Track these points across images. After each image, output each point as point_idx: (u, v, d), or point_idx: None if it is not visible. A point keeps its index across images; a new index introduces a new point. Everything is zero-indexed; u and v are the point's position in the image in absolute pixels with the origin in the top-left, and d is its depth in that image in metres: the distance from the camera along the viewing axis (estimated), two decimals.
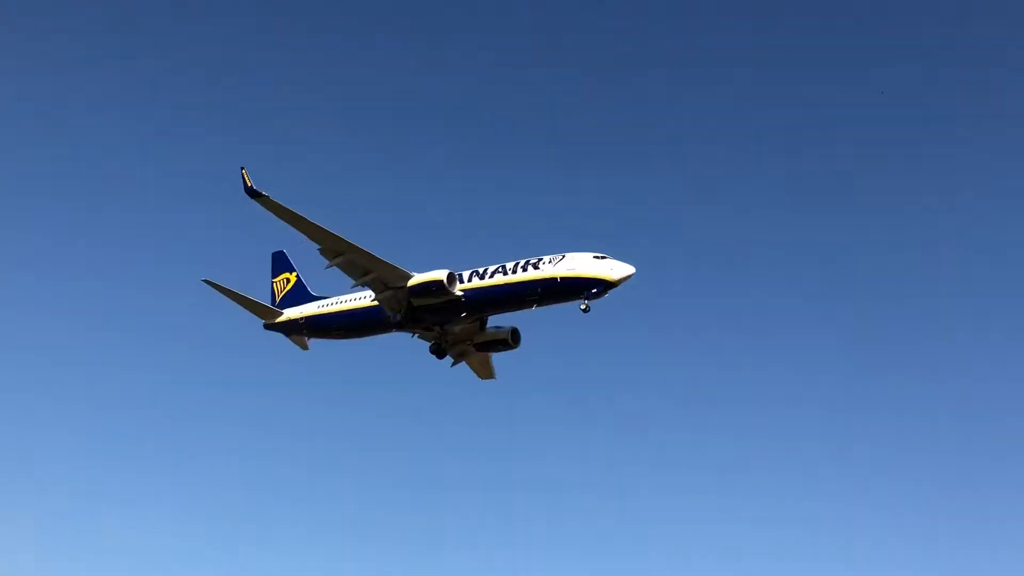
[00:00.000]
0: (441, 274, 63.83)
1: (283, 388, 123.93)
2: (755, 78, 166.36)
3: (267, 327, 76.70)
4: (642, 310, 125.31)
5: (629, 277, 61.07)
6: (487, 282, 64.24)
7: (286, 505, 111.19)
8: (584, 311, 61.45)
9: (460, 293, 64.27)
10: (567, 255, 62.90)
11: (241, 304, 76.19)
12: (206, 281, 73.26)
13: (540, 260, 63.48)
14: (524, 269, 63.50)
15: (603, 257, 62.05)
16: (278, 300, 79.65)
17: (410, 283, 64.52)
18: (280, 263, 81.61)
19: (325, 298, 75.39)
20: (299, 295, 78.02)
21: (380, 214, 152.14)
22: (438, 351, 70.58)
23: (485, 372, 74.32)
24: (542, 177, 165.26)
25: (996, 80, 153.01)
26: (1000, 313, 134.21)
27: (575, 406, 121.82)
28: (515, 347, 69.88)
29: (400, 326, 67.83)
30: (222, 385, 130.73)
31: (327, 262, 64.39)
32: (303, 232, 62.58)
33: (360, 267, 64.52)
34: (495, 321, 70.28)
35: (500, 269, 64.65)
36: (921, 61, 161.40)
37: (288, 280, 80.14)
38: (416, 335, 70.38)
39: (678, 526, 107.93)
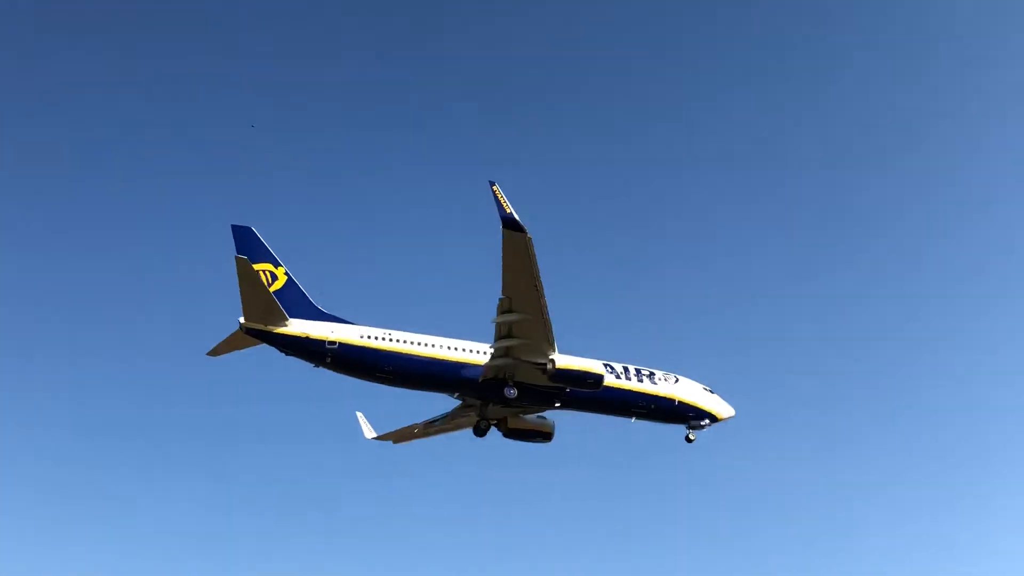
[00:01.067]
0: (601, 368, 59.83)
1: None
2: None
3: (250, 330, 58.74)
4: None
5: (729, 419, 66.08)
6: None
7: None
8: (689, 441, 64.98)
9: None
10: (680, 378, 65.18)
11: (249, 294, 57.86)
12: (240, 258, 57.08)
13: (653, 373, 64.18)
14: (639, 379, 63.07)
15: (711, 391, 65.88)
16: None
17: (561, 365, 57.74)
18: (251, 246, 60.38)
19: (347, 322, 61.20)
20: (295, 302, 59.83)
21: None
22: (483, 429, 64.75)
23: (406, 437, 69.93)
24: None
25: None
26: None
27: None
28: (549, 442, 65.71)
29: (507, 404, 61.52)
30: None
31: (496, 315, 56.48)
32: (516, 284, 53.34)
33: (514, 331, 56.49)
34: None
35: (607, 368, 61.31)
36: None
37: (274, 276, 60.40)
38: (463, 403, 64.43)
39: None
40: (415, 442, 69.81)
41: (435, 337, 61.17)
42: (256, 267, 59.84)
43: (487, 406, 63.20)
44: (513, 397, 59.78)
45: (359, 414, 72.09)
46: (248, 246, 60.82)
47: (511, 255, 51.24)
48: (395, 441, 70.14)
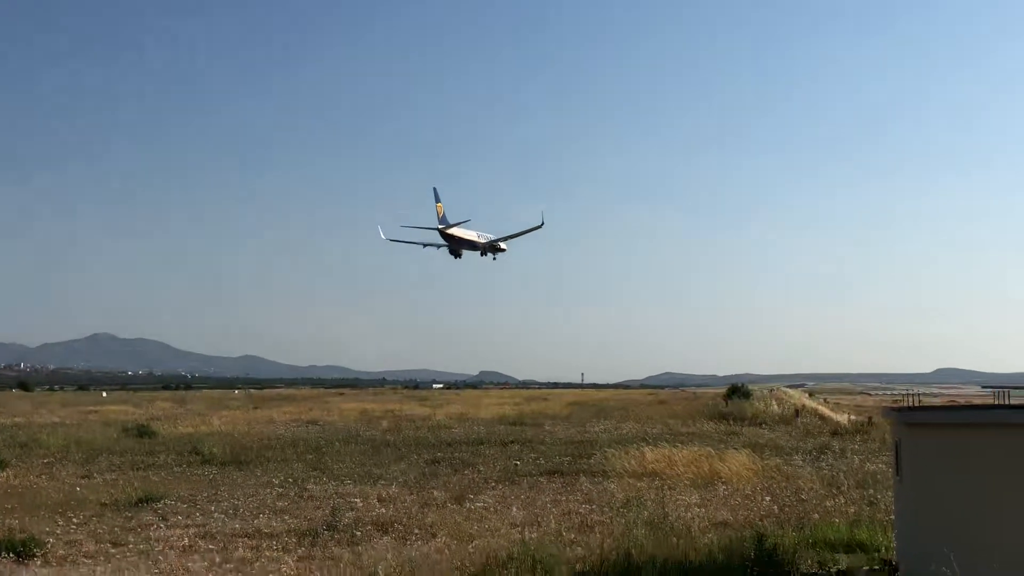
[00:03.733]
0: (503, 244, 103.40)
1: None
2: None
3: (441, 231, 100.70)
4: None
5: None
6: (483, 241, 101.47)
7: None
8: (494, 259, 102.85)
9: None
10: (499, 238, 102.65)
11: (447, 222, 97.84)
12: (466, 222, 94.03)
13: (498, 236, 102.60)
14: (500, 239, 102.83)
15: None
16: (439, 219, 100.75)
17: (499, 245, 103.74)
18: (436, 195, 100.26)
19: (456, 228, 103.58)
20: (444, 221, 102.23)
21: None
22: (455, 254, 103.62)
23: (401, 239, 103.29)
24: None
25: None
26: None
27: None
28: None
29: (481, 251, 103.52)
30: None
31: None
32: (515, 236, 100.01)
33: (496, 240, 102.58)
34: None
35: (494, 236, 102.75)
36: None
37: (440, 209, 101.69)
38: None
39: None
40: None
41: (470, 230, 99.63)
42: (439, 205, 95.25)
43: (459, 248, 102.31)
44: (482, 255, 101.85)
45: (379, 226, 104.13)
46: (436, 195, 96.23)
47: (527, 230, 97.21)
48: (391, 239, 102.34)
